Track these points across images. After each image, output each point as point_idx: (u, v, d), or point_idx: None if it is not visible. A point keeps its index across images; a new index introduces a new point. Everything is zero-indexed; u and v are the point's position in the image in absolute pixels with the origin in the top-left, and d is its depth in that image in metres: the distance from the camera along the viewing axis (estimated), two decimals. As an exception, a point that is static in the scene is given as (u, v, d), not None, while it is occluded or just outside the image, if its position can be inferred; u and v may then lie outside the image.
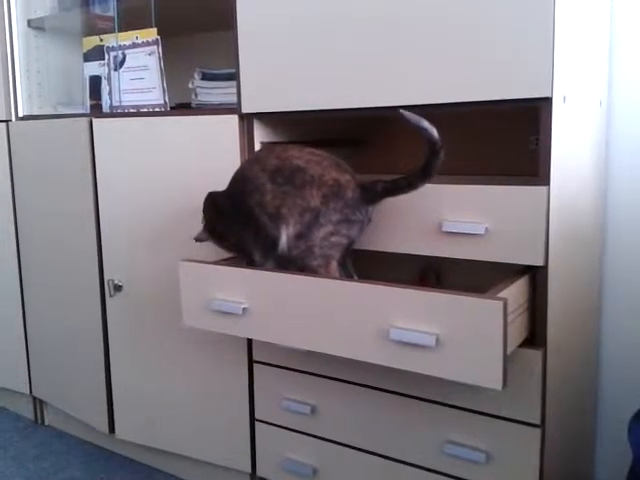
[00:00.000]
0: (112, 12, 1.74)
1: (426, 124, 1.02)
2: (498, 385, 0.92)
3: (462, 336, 0.93)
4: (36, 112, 1.94)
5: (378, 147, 1.72)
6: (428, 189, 1.14)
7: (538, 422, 1.11)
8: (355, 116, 1.41)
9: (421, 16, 1.15)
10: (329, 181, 1.12)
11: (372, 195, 1.12)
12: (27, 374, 2.03)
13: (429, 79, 1.15)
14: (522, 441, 1.13)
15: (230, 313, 1.17)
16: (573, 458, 1.37)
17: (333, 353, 1.06)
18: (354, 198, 1.11)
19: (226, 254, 1.33)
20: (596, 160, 1.35)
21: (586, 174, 1.28)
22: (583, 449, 1.46)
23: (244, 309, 1.15)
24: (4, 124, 1.92)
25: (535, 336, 1.11)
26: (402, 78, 1.18)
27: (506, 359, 0.92)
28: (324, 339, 1.07)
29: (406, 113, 1.03)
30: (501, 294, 0.97)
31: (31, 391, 2.04)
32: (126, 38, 1.64)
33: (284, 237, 1.12)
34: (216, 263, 1.22)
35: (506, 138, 1.49)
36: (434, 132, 1.02)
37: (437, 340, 0.95)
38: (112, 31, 1.70)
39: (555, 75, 1.04)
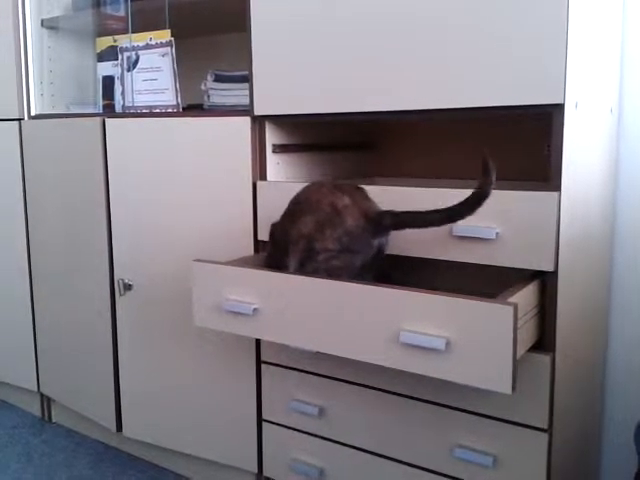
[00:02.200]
0: (126, 13, 1.75)
1: (493, 177, 1.00)
2: (507, 389, 0.92)
3: (472, 340, 0.94)
4: (48, 111, 1.95)
5: (388, 151, 1.72)
6: (439, 193, 1.15)
7: (546, 426, 1.11)
8: (367, 120, 1.42)
9: (434, 22, 1.16)
10: (325, 207, 1.12)
11: (377, 227, 1.10)
12: (35, 371, 2.04)
13: (443, 84, 1.16)
14: (530, 445, 1.13)
15: (241, 313, 1.17)
16: (579, 462, 1.37)
17: (343, 355, 1.07)
18: (356, 226, 1.09)
19: (238, 255, 1.34)
20: (606, 166, 1.36)
21: (596, 180, 1.29)
22: (589, 453, 1.46)
23: (255, 310, 1.16)
24: (16, 123, 1.94)
25: (544, 341, 1.12)
26: (415, 83, 1.19)
27: (516, 363, 0.92)
28: (334, 341, 1.07)
29: (490, 162, 1.00)
30: (511, 299, 0.97)
31: (39, 388, 2.05)
32: (140, 39, 1.66)
33: (291, 268, 1.16)
34: (228, 264, 1.22)
35: (521, 144, 1.50)
36: (491, 187, 1.01)
37: (447, 344, 0.95)
38: (125, 32, 1.72)
39: (567, 82, 1.04)
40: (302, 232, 1.14)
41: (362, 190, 1.17)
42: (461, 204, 1.04)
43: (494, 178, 1.00)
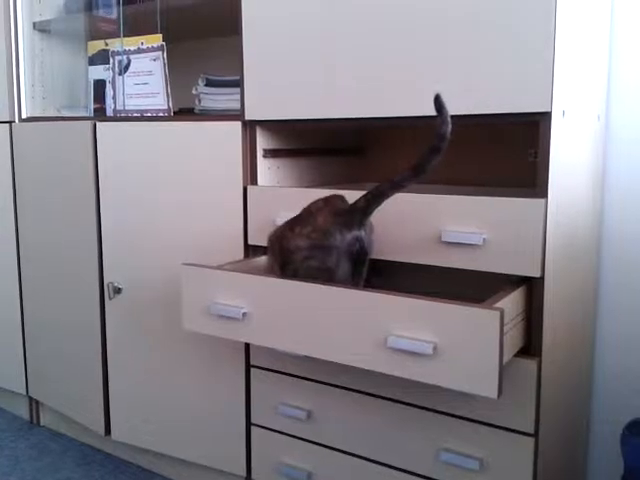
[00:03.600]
0: (117, 16, 1.75)
1: (449, 118, 1.01)
2: (493, 394, 0.93)
3: (459, 345, 0.95)
4: (39, 114, 1.95)
5: (378, 157, 1.73)
6: (427, 199, 1.16)
7: (532, 431, 1.12)
8: (357, 126, 1.43)
9: (422, 29, 1.17)
10: (301, 212, 1.17)
11: (350, 217, 1.11)
12: (24, 374, 2.03)
13: (430, 92, 1.17)
14: (516, 449, 1.14)
15: (230, 317, 1.18)
16: (566, 467, 1.38)
17: (331, 359, 1.07)
18: (324, 222, 1.11)
19: (228, 259, 1.35)
20: (593, 173, 1.37)
21: (583, 187, 1.30)
22: (575, 458, 1.47)
23: (244, 314, 1.16)
24: (7, 125, 1.93)
25: (530, 346, 1.13)
26: (403, 90, 1.20)
27: (502, 368, 0.93)
28: (322, 345, 1.08)
29: (441, 100, 1.01)
30: (498, 304, 0.98)
31: (27, 391, 2.04)
32: (131, 43, 1.66)
33: (278, 272, 1.17)
34: (217, 268, 1.23)
35: (505, 150, 1.51)
36: (448, 128, 1.01)
37: (434, 348, 0.96)
38: (117, 35, 1.72)
39: (555, 90, 1.06)
40: (276, 235, 1.18)
41: (341, 196, 1.18)
42: (423, 155, 1.04)
43: (448, 115, 1.01)
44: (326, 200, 1.16)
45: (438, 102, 1.01)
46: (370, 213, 1.11)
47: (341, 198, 1.17)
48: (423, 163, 1.04)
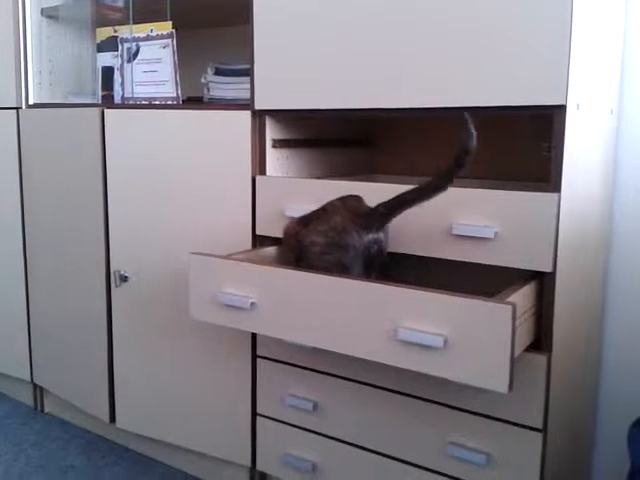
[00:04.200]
0: (126, 3, 1.74)
1: (474, 132, 1.02)
2: (504, 388, 0.92)
3: (470, 339, 0.94)
4: (46, 101, 1.94)
5: (387, 148, 1.72)
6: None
7: (540, 426, 1.12)
8: (368, 117, 1.42)
9: (436, 19, 1.15)
10: (317, 211, 1.18)
11: (369, 222, 1.12)
12: (28, 361, 2.03)
13: (443, 83, 1.16)
14: (524, 445, 1.14)
15: (238, 307, 1.17)
16: (572, 463, 1.38)
17: (340, 351, 1.07)
18: (342, 222, 1.12)
19: (236, 249, 1.34)
20: (605, 167, 1.36)
21: (595, 181, 1.29)
22: (582, 454, 1.47)
23: (252, 304, 1.16)
24: (14, 111, 1.92)
25: (540, 341, 1.12)
26: (416, 81, 1.19)
27: (513, 363, 0.92)
28: (331, 337, 1.07)
29: (468, 116, 1.02)
30: (510, 299, 0.97)
31: (32, 378, 2.04)
32: (141, 30, 1.65)
33: (293, 265, 1.18)
34: (226, 257, 1.22)
35: (518, 143, 1.50)
36: (474, 141, 1.02)
37: (445, 342, 0.96)
38: (126, 22, 1.71)
39: (570, 83, 1.05)
40: (292, 230, 1.20)
41: (358, 197, 1.19)
42: (447, 168, 1.05)
43: (474, 131, 1.01)
44: (343, 200, 1.17)
45: (466, 119, 1.02)
46: (389, 220, 1.13)
47: (357, 198, 1.17)
48: (448, 176, 1.05)
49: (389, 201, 1.11)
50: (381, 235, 1.13)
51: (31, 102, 1.91)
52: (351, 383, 1.33)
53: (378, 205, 1.12)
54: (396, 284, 1.01)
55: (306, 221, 1.18)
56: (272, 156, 1.45)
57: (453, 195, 1.14)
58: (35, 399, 2.09)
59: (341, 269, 1.12)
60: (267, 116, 1.42)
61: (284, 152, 1.49)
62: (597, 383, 1.53)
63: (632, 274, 1.48)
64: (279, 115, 1.43)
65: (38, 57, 1.92)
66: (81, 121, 1.69)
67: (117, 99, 1.72)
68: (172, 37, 1.60)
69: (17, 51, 1.89)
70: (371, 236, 1.12)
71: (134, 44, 1.66)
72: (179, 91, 1.62)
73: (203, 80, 1.58)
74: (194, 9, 1.72)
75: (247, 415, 1.52)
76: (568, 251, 1.14)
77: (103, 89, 1.79)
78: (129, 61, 1.68)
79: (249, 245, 1.44)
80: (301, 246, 1.16)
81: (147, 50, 1.64)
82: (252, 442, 1.53)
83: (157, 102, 1.64)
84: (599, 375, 1.54)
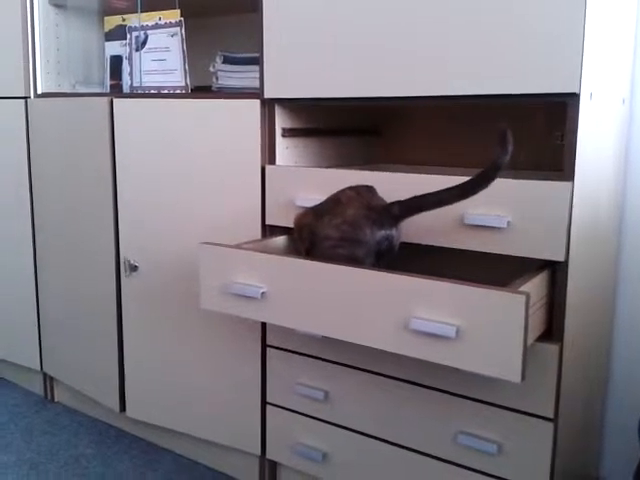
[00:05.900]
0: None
1: (509, 148, 0.99)
2: (517, 378, 0.92)
3: (483, 328, 0.94)
4: (55, 90, 1.94)
5: (396, 137, 1.72)
6: (451, 181, 1.14)
7: (552, 416, 1.12)
8: (377, 105, 1.41)
9: (447, 6, 1.14)
10: (329, 201, 1.17)
11: (384, 218, 1.11)
12: (38, 350, 2.04)
13: (454, 71, 1.15)
14: (535, 434, 1.14)
15: (248, 297, 1.17)
16: (582, 451, 1.38)
17: (352, 341, 1.07)
18: (356, 216, 1.11)
19: (245, 238, 1.34)
20: (617, 157, 1.36)
21: (607, 170, 1.28)
22: (592, 443, 1.47)
23: (263, 293, 1.16)
24: (23, 101, 1.92)
25: (552, 330, 1.12)
26: (426, 69, 1.18)
27: (526, 353, 0.92)
28: (343, 326, 1.07)
29: (509, 133, 0.99)
30: (522, 288, 0.97)
31: (42, 367, 2.05)
32: (149, 19, 1.64)
33: (304, 255, 1.19)
34: (235, 247, 1.22)
35: (530, 132, 1.49)
36: (506, 159, 1.00)
37: (457, 331, 0.95)
38: (133, 11, 1.70)
39: (583, 71, 1.04)
40: (304, 221, 1.19)
41: (371, 188, 1.18)
42: (474, 179, 1.03)
43: (510, 149, 0.99)
44: (357, 190, 1.16)
45: (505, 134, 0.99)
46: (403, 219, 1.12)
47: (371, 189, 1.17)
48: (473, 187, 1.04)
49: (406, 201, 1.10)
50: (394, 231, 1.13)
51: (39, 92, 1.91)
52: (362, 372, 1.33)
53: (393, 204, 1.11)
54: (408, 273, 1.01)
55: (319, 212, 1.17)
56: (281, 145, 1.44)
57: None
58: (45, 388, 2.10)
59: (352, 262, 1.11)
60: (276, 105, 1.41)
61: (294, 141, 1.48)
62: (607, 372, 1.53)
63: (643, 263, 1.47)
64: (289, 104, 1.42)
65: (46, 46, 1.92)
66: (90, 110, 1.69)
67: (125, 88, 1.72)
68: (180, 25, 1.60)
69: (25, 40, 1.89)
70: (384, 232, 1.11)
71: (142, 33, 1.66)
72: (188, 80, 1.61)
73: (212, 69, 1.58)
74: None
75: (257, 404, 1.53)
76: (580, 240, 1.13)
77: (111, 78, 1.79)
78: (137, 50, 1.67)
79: (259, 235, 1.44)
80: (314, 238, 1.16)
81: (155, 39, 1.64)
82: (262, 431, 1.53)
83: (166, 91, 1.63)
84: (610, 364, 1.53)
